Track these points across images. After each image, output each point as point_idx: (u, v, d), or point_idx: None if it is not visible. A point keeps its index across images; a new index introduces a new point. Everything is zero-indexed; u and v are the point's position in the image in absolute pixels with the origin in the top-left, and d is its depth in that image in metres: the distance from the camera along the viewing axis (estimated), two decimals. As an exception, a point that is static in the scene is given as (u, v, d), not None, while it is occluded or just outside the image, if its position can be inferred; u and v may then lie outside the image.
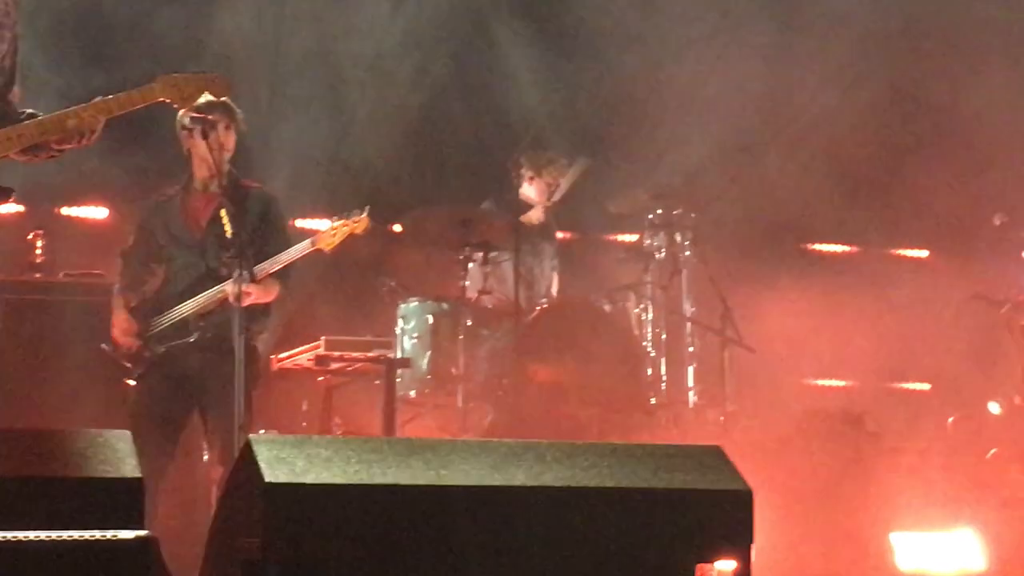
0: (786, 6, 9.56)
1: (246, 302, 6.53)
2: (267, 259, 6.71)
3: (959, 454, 8.33)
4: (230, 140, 6.89)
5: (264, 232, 6.92)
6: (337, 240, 6.77)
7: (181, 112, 6.63)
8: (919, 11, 9.37)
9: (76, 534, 2.82)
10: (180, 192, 6.98)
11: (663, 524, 3.33)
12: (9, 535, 2.83)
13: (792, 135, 9.68)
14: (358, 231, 6.78)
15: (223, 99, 6.67)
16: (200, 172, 6.89)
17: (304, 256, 6.77)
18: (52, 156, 5.24)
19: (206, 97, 5.58)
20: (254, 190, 7.05)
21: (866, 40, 9.47)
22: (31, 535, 2.82)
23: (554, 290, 8.25)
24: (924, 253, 10.76)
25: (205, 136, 6.63)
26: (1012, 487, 7.91)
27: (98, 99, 5.14)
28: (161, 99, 5.25)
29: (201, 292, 6.73)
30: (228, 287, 6.51)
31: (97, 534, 2.83)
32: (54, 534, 2.81)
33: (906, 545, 7.51)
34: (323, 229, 6.87)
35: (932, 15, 9.29)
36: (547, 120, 8.31)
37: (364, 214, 6.82)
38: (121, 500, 3.18)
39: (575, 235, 8.81)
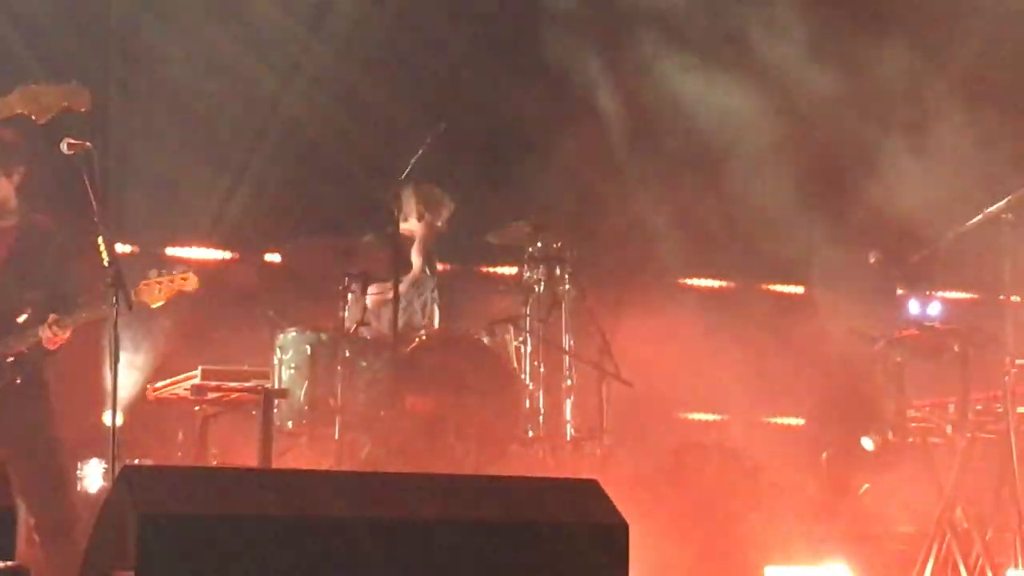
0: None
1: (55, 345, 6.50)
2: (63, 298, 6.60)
3: (833, 489, 8.46)
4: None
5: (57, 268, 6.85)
6: (162, 297, 6.54)
7: None
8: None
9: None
10: None
11: (539, 557, 3.31)
12: None
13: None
14: (187, 289, 6.58)
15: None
16: None
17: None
18: None
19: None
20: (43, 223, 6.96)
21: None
22: None
23: (435, 322, 8.24)
24: (800, 289, 10.91)
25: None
26: (885, 522, 8.05)
27: None
28: (19, 112, 5.03)
29: None
30: (43, 332, 6.30)
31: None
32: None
33: (781, 574, 7.65)
34: (145, 281, 6.54)
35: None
36: (429, 154, 8.00)
37: (190, 272, 6.61)
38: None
39: (455, 267, 8.80)
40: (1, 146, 6.57)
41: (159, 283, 6.50)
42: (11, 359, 6.44)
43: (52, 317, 6.42)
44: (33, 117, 5.17)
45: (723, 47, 10.02)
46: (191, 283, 6.58)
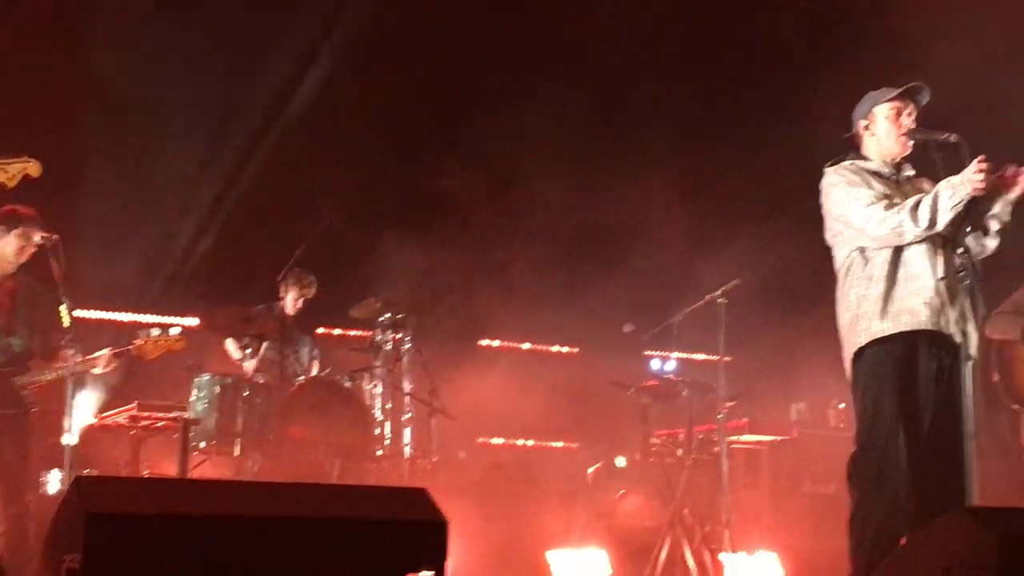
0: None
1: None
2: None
3: (596, 494, 9.23)
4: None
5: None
6: (158, 352, 7.06)
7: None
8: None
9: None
10: None
11: (384, 546, 3.43)
12: None
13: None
14: (176, 347, 7.11)
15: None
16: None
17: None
18: None
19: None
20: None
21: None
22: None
23: (314, 371, 8.68)
24: (576, 350, 11.72)
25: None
26: (634, 518, 8.76)
27: None
28: None
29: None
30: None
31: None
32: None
33: (557, 559, 8.31)
34: (145, 337, 7.06)
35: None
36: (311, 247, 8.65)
37: (179, 332, 7.03)
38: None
39: (327, 332, 9.26)
40: (26, 218, 6.83)
41: (157, 341, 6.95)
42: (26, 392, 6.81)
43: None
44: (3, 182, 5.11)
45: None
46: (181, 343, 7.03)
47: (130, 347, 6.96)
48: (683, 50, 10.36)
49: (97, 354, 6.81)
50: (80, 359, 6.72)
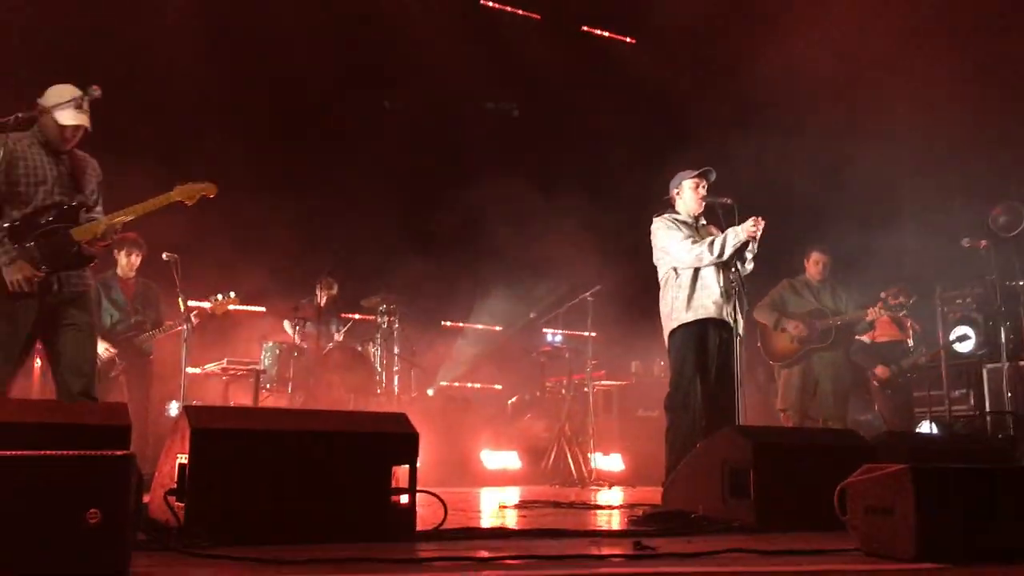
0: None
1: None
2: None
3: (513, 417, 9.16)
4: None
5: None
6: (222, 309, 6.87)
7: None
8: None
9: (87, 453, 2.18)
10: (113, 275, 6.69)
11: (377, 448, 3.23)
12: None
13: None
14: (231, 307, 6.93)
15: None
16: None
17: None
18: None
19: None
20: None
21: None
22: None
23: (340, 339, 8.39)
24: (500, 327, 10.68)
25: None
26: (536, 432, 8.58)
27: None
28: (177, 199, 4.42)
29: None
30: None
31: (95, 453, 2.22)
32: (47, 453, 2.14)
33: (487, 457, 8.25)
34: (214, 300, 6.86)
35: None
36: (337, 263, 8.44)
37: (232, 296, 6.85)
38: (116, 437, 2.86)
39: (348, 315, 8.80)
40: (132, 241, 6.75)
41: (221, 302, 6.79)
42: (146, 345, 6.69)
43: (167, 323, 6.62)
44: (186, 203, 4.44)
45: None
46: (235, 301, 6.82)
47: (207, 306, 6.82)
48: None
49: (189, 313, 6.61)
50: (179, 324, 6.58)
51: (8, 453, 2.06)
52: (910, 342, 7.75)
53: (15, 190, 4.15)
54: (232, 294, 6.70)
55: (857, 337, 7.57)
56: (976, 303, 7.75)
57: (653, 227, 5.41)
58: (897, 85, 8.62)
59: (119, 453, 2.18)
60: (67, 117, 4.20)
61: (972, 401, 7.69)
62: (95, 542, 2.07)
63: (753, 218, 5.04)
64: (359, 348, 8.26)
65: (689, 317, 5.17)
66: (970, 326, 7.86)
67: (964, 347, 7.85)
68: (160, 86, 7.92)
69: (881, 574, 2.52)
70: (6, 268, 4.09)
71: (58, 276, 4.22)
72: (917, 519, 2.65)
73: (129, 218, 4.30)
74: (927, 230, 8.49)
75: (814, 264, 7.19)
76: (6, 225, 4.13)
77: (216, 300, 6.74)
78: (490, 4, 10.33)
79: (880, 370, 7.63)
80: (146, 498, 3.01)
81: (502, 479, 7.96)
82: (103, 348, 6.34)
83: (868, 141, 8.59)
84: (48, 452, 2.11)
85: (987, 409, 7.30)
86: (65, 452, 2.13)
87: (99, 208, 4.41)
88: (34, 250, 4.14)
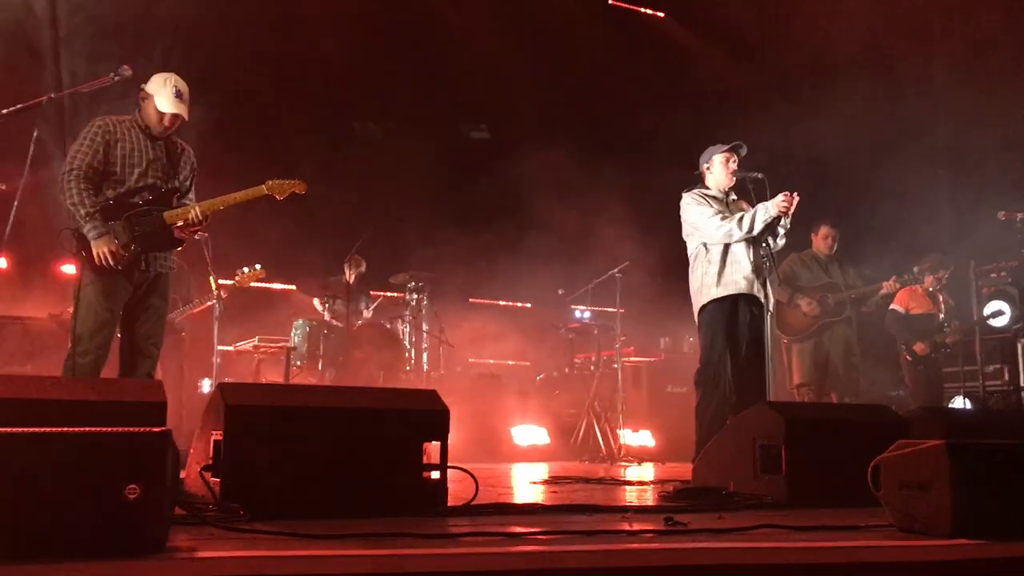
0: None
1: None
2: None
3: (542, 393, 9.02)
4: None
5: None
6: (248, 282, 6.76)
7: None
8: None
9: (126, 430, 2.13)
10: None
11: (409, 424, 3.27)
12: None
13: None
14: (257, 279, 6.79)
15: None
16: None
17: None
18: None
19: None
20: None
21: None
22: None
23: (370, 315, 8.48)
24: (529, 304, 10.80)
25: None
26: (565, 406, 8.48)
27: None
28: (267, 194, 4.55)
29: None
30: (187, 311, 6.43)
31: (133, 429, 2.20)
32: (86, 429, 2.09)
33: (517, 432, 8.29)
34: (241, 273, 6.75)
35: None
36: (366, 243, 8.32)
37: (258, 268, 6.64)
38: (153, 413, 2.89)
39: (377, 293, 8.97)
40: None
41: (247, 274, 6.71)
42: (178, 321, 6.71)
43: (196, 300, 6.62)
44: (276, 196, 4.54)
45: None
46: (261, 274, 6.68)
47: (234, 280, 6.79)
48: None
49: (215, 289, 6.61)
50: (208, 300, 6.62)
51: (50, 430, 2.09)
52: (941, 315, 7.65)
53: (111, 170, 4.28)
54: (258, 266, 6.62)
55: (892, 307, 7.52)
56: (1012, 277, 7.68)
57: (683, 202, 5.37)
58: (935, 52, 8.54)
59: (157, 429, 2.19)
60: (166, 105, 4.36)
61: (1006, 376, 7.61)
62: (135, 517, 2.09)
63: (784, 193, 4.97)
64: (388, 325, 8.31)
65: (719, 293, 5.13)
66: (1005, 301, 7.77)
67: (999, 322, 7.75)
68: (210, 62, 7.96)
69: (916, 550, 2.49)
70: (94, 242, 4.19)
71: (146, 256, 4.33)
72: (954, 495, 2.62)
73: (220, 207, 4.38)
74: (962, 202, 8.39)
75: (823, 238, 7.15)
76: (100, 203, 4.24)
77: (243, 273, 6.68)
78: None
79: (919, 347, 7.55)
80: (182, 474, 3.07)
81: (532, 455, 7.94)
82: None
83: (903, 111, 8.56)
84: (89, 429, 2.13)
85: (1021, 384, 7.27)
86: (105, 428, 2.14)
87: (191, 195, 4.51)
88: (125, 228, 4.26)
